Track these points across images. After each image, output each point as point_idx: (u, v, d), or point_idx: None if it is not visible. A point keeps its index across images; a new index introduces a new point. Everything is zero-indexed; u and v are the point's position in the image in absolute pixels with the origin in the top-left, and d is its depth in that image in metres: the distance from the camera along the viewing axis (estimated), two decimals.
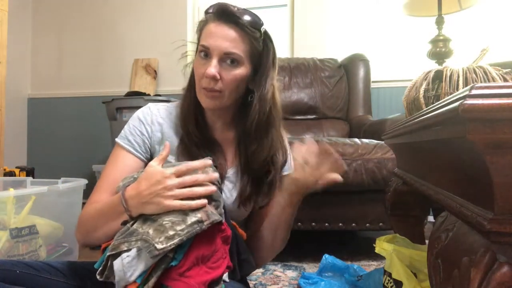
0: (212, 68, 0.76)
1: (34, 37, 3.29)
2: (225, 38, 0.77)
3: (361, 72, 2.35)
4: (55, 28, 3.24)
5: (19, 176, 2.40)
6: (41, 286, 0.72)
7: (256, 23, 0.81)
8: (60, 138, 3.18)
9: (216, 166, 0.76)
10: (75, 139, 3.13)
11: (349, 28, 2.66)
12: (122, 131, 0.88)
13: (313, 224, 1.57)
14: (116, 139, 0.87)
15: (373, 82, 2.43)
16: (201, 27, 0.82)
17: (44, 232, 1.38)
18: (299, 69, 2.38)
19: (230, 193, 0.86)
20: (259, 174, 0.84)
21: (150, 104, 0.92)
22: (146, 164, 0.81)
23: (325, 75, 2.37)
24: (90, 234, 0.78)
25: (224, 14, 0.78)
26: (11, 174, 2.39)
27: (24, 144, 3.26)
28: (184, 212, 0.65)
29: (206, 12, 0.81)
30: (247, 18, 0.79)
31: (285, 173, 0.88)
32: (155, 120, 0.88)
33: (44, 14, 3.27)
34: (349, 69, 2.39)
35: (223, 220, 0.69)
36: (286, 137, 0.93)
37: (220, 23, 0.78)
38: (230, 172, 0.87)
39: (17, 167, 2.60)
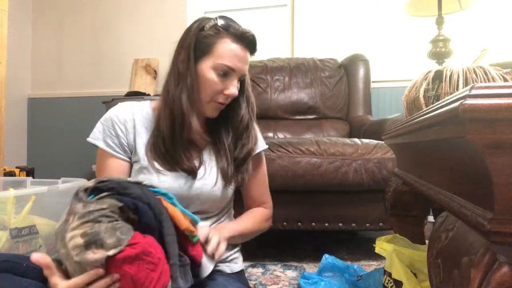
0: (235, 89, 0.86)
1: (34, 37, 3.29)
2: (245, 62, 0.88)
3: (361, 72, 2.35)
4: (55, 28, 3.24)
5: (19, 176, 2.40)
6: (45, 281, 0.73)
7: None
8: (60, 138, 3.18)
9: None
10: (75, 139, 3.13)
11: (349, 28, 2.66)
12: (96, 130, 0.90)
13: (313, 224, 1.57)
14: (91, 140, 0.90)
15: (373, 82, 2.43)
16: (216, 39, 0.85)
17: (44, 232, 1.38)
18: (299, 69, 2.38)
19: (209, 173, 0.90)
20: (243, 159, 0.92)
21: (120, 103, 0.94)
22: (130, 165, 0.89)
23: (325, 75, 2.37)
24: None
25: (248, 40, 0.87)
26: (11, 174, 2.39)
27: (24, 144, 3.26)
28: None
29: (227, 28, 0.85)
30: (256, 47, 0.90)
31: (258, 150, 0.98)
32: (127, 117, 0.90)
33: (44, 14, 3.27)
34: (349, 69, 2.39)
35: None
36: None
37: (243, 47, 0.86)
38: (206, 156, 0.92)
39: (17, 167, 2.60)
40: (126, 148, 0.89)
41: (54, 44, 3.25)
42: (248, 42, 0.86)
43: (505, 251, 0.34)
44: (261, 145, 1.01)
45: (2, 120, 2.31)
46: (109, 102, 2.35)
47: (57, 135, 3.18)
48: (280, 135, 2.23)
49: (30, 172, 2.65)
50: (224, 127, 0.93)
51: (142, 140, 0.89)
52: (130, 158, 0.90)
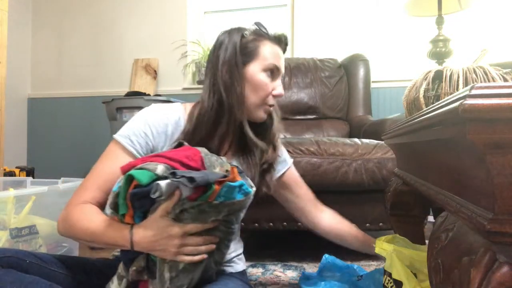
0: (281, 88, 0.91)
1: (34, 37, 3.29)
2: (283, 63, 0.93)
3: (361, 72, 2.35)
4: (55, 28, 3.24)
5: (19, 176, 2.40)
6: (48, 277, 0.73)
7: None
8: (60, 138, 3.18)
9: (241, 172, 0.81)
10: (75, 139, 3.13)
11: (349, 28, 2.66)
12: (125, 128, 0.86)
13: None
14: (116, 136, 0.85)
15: (373, 82, 2.43)
16: (259, 43, 0.89)
17: (44, 232, 1.38)
18: (299, 69, 2.38)
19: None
20: (267, 164, 0.96)
21: (156, 107, 0.91)
22: None
23: (325, 75, 2.36)
24: (76, 239, 0.80)
25: (283, 42, 0.92)
26: (11, 174, 2.39)
27: (24, 144, 3.26)
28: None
29: (266, 32, 0.90)
30: None
31: (284, 166, 1.06)
32: (162, 122, 0.87)
33: (44, 14, 3.27)
34: (349, 69, 2.39)
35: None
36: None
37: (281, 50, 0.92)
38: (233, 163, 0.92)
39: (17, 167, 2.60)
40: (149, 151, 0.86)
41: (54, 44, 3.24)
42: (283, 43, 0.92)
43: (505, 251, 0.34)
44: (289, 161, 1.10)
45: (2, 120, 2.31)
46: (109, 102, 2.34)
47: (57, 135, 3.18)
48: (280, 135, 2.22)
49: (30, 172, 2.65)
50: (259, 132, 0.95)
51: (166, 147, 0.87)
52: None
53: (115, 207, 0.71)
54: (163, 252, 0.70)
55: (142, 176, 0.66)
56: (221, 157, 0.79)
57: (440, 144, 0.49)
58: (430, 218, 1.77)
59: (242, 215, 0.81)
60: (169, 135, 0.87)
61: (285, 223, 1.56)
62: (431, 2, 1.72)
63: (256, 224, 1.57)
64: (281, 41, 0.91)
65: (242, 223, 1.55)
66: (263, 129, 0.95)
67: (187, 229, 0.70)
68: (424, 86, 0.82)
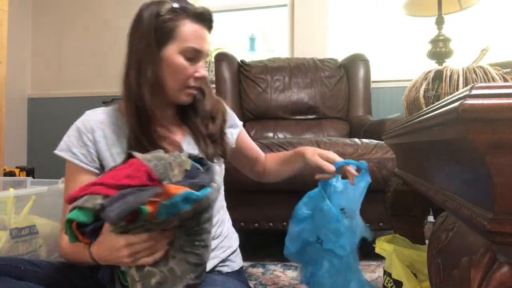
0: (205, 70, 0.85)
1: (34, 37, 3.29)
2: (208, 42, 0.85)
3: (361, 72, 2.35)
4: (55, 28, 3.24)
5: (19, 176, 2.40)
6: (45, 283, 0.73)
7: None
8: (60, 138, 3.17)
9: (201, 158, 0.78)
10: None
11: (349, 28, 2.66)
12: (62, 142, 0.87)
13: None
14: (58, 152, 0.86)
15: (373, 82, 2.43)
16: (177, 22, 0.81)
17: (44, 232, 1.38)
18: (299, 69, 2.38)
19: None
20: (215, 134, 0.92)
21: (87, 112, 0.91)
22: (98, 175, 0.83)
23: (325, 75, 2.36)
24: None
25: (206, 18, 0.84)
26: (11, 174, 2.39)
27: (24, 144, 3.26)
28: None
29: (185, 10, 0.81)
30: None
31: (233, 130, 1.00)
32: (95, 126, 0.86)
33: (44, 14, 3.27)
34: (349, 69, 2.39)
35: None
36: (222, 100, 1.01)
37: (203, 27, 0.84)
38: (185, 145, 0.89)
39: (17, 167, 2.60)
40: (95, 158, 0.85)
41: (54, 44, 3.24)
42: (207, 20, 0.84)
43: (505, 251, 0.34)
44: (239, 123, 1.03)
45: (2, 120, 2.31)
46: (109, 102, 2.35)
47: (57, 135, 3.17)
48: (280, 135, 2.22)
49: (30, 172, 2.65)
50: (193, 110, 0.91)
51: (116, 149, 0.85)
52: (99, 170, 0.85)
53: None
54: (121, 263, 0.69)
55: (83, 217, 0.65)
56: (179, 154, 0.73)
57: (440, 144, 0.49)
58: (430, 218, 1.77)
59: (212, 211, 0.73)
60: (109, 137, 0.85)
61: (284, 223, 1.56)
62: (431, 2, 1.72)
63: (256, 224, 1.57)
64: (203, 18, 0.83)
65: (242, 223, 1.55)
66: (194, 106, 0.91)
67: (130, 241, 0.67)
68: (424, 86, 0.82)
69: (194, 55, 0.82)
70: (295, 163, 1.00)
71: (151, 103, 0.81)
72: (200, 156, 0.78)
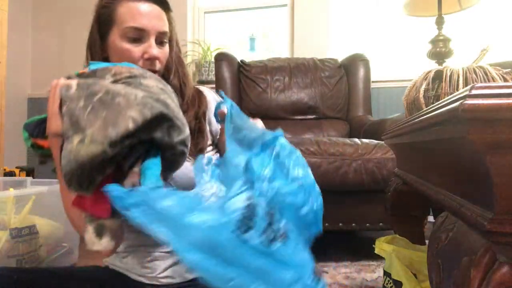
0: (155, 49, 0.76)
1: (34, 37, 3.29)
2: (157, 17, 0.77)
3: (361, 72, 2.35)
4: (55, 28, 3.24)
5: (19, 176, 2.40)
6: None
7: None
8: None
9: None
10: None
11: (349, 28, 2.66)
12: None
13: None
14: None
15: (373, 82, 2.43)
16: (115, 6, 0.77)
17: (44, 232, 1.38)
18: (299, 69, 2.38)
19: None
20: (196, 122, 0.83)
21: None
22: None
23: (325, 75, 2.36)
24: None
25: None
26: (11, 174, 2.39)
27: (24, 144, 3.25)
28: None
29: None
30: None
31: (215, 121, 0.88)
32: None
33: (44, 14, 3.27)
34: (349, 69, 2.39)
35: None
36: (205, 89, 0.92)
37: (145, 1, 0.76)
38: None
39: (17, 167, 2.60)
40: None
41: (54, 44, 3.24)
42: None
43: (505, 251, 0.34)
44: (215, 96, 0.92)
45: (2, 120, 2.31)
46: None
47: None
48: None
49: (30, 172, 2.65)
50: None
51: None
52: None
53: None
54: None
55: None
56: None
57: (440, 144, 0.49)
58: (430, 218, 1.77)
59: None
60: None
61: None
62: (431, 2, 1.72)
63: None
64: None
65: None
66: None
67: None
68: (424, 86, 0.82)
69: (137, 34, 0.75)
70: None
71: None
72: None
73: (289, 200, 0.55)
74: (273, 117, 2.31)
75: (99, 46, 0.79)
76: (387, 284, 0.91)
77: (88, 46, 0.82)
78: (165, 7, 0.79)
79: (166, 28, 0.78)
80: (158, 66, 0.78)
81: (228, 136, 0.58)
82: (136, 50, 0.75)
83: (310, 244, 0.59)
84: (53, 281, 0.76)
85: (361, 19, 2.64)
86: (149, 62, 0.76)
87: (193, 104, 0.84)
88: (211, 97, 0.90)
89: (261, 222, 0.50)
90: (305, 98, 2.33)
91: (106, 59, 0.79)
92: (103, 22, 0.79)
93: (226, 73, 2.29)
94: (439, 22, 1.67)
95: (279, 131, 0.59)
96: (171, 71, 0.83)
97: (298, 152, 0.63)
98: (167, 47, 0.80)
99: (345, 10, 2.67)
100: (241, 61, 2.43)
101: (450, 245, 0.43)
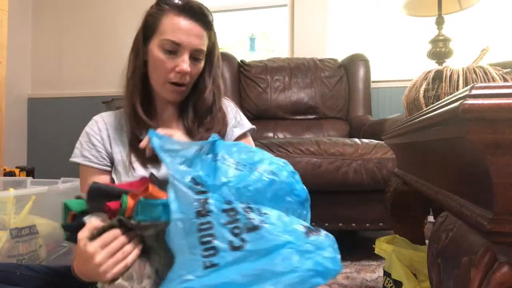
0: (186, 64, 0.80)
1: (34, 37, 3.29)
2: (195, 35, 0.81)
3: (361, 72, 2.35)
4: (55, 28, 3.24)
5: (19, 176, 2.40)
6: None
7: (212, 20, 0.86)
8: (60, 138, 3.17)
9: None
10: (75, 139, 3.11)
11: (349, 28, 2.66)
12: (75, 149, 0.88)
13: (313, 224, 1.56)
14: (72, 159, 0.87)
15: (373, 82, 2.43)
16: (161, 16, 0.81)
17: (44, 232, 1.38)
18: (299, 69, 2.38)
19: None
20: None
21: (94, 117, 0.93)
22: (109, 173, 0.85)
23: (325, 75, 2.36)
24: None
25: (192, 10, 0.80)
26: (11, 174, 2.39)
27: (24, 144, 3.25)
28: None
29: (166, 2, 0.81)
30: (210, 17, 0.84)
31: (243, 130, 0.96)
32: (101, 127, 0.89)
33: (44, 14, 3.27)
34: (349, 69, 2.39)
35: None
36: (229, 105, 0.98)
37: (189, 19, 0.80)
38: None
39: (17, 167, 2.60)
40: (105, 156, 0.86)
41: (54, 44, 3.24)
42: (193, 12, 0.80)
43: (505, 251, 0.34)
44: (246, 125, 0.97)
45: (2, 120, 2.31)
46: (109, 102, 2.35)
47: (57, 135, 3.18)
48: (280, 135, 2.23)
49: (30, 172, 2.64)
50: (193, 112, 0.89)
51: (119, 149, 0.86)
52: (110, 167, 0.87)
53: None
54: (100, 280, 0.61)
55: (76, 205, 0.64)
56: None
57: (440, 144, 0.49)
58: (430, 218, 1.77)
59: None
60: (112, 136, 0.87)
61: None
62: (431, 2, 1.72)
63: None
64: (188, 10, 0.80)
65: None
66: (194, 104, 0.89)
67: (103, 240, 0.60)
68: (424, 86, 0.82)
69: (173, 48, 0.79)
70: None
71: (142, 100, 0.84)
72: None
73: (252, 188, 0.58)
74: (273, 117, 2.31)
75: (141, 50, 0.83)
76: (387, 284, 0.91)
77: (132, 48, 0.86)
78: (208, 27, 0.83)
79: (202, 46, 0.83)
80: (187, 79, 0.82)
81: (168, 164, 0.59)
82: (169, 62, 0.80)
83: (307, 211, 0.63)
84: (55, 279, 0.77)
85: (361, 19, 2.64)
86: (179, 75, 0.81)
87: (218, 123, 0.90)
88: (232, 115, 0.96)
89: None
90: (305, 98, 2.33)
91: (145, 63, 0.84)
92: (148, 29, 0.83)
93: (226, 73, 2.29)
94: (439, 22, 1.67)
95: (214, 136, 0.63)
96: (207, 87, 0.88)
97: (241, 143, 0.67)
98: (201, 63, 0.85)
99: (345, 10, 2.67)
100: (241, 61, 2.43)
101: (450, 245, 0.43)
